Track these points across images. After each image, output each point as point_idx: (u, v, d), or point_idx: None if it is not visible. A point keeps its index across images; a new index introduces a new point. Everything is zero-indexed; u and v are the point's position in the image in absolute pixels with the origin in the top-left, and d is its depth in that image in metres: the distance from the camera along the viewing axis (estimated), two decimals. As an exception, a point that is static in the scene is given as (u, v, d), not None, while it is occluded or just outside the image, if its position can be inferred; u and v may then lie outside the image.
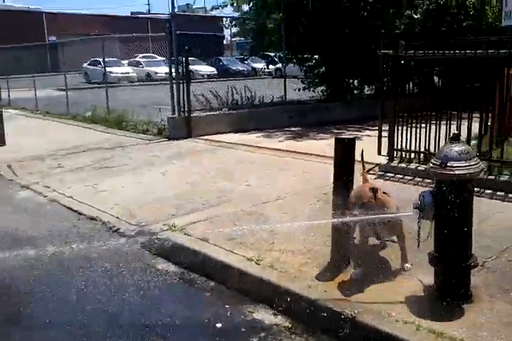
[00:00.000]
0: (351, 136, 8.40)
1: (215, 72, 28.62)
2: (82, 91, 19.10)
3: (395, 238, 3.56)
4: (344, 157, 3.40)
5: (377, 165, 6.34)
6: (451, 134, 2.98)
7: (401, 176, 5.91)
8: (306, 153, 7.34)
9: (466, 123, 5.65)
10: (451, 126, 5.68)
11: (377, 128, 6.72)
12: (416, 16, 12.62)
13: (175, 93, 9.03)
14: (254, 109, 10.47)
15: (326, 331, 2.96)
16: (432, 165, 2.92)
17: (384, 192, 3.38)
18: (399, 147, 6.20)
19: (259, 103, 10.96)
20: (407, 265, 3.42)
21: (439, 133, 5.83)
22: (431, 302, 3.03)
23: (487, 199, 5.03)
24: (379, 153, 6.50)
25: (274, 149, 7.78)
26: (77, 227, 4.86)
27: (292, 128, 10.17)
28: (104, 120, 11.12)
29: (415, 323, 2.78)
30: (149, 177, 6.43)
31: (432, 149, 5.89)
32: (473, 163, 2.84)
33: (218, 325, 3.11)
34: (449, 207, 2.88)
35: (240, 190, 5.68)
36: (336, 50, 11.41)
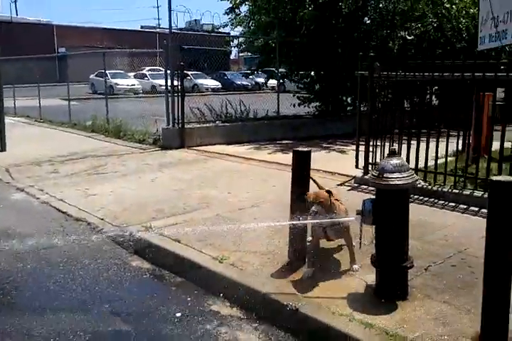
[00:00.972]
0: (324, 149, 8.86)
1: (220, 86, 29.19)
2: (87, 101, 19.67)
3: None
4: (300, 166, 3.76)
5: (353, 177, 6.69)
6: (390, 150, 3.34)
7: (373, 188, 6.23)
8: (290, 165, 7.66)
9: (445, 141, 5.98)
10: (428, 143, 6.05)
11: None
12: (409, 38, 13.02)
13: (170, 105, 9.44)
14: (247, 122, 10.89)
15: (273, 321, 3.28)
16: (371, 175, 3.28)
17: (336, 199, 3.73)
18: (374, 161, 6.54)
19: (253, 117, 11.38)
20: (355, 266, 3.75)
21: (409, 149, 6.16)
22: (369, 298, 3.35)
23: (450, 211, 5.33)
24: (356, 166, 6.86)
25: (260, 160, 8.14)
26: (63, 227, 5.22)
27: (284, 142, 10.54)
28: (104, 129, 11.56)
29: (350, 316, 3.09)
30: (138, 184, 6.80)
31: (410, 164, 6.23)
32: (405, 175, 3.18)
33: (178, 314, 3.44)
34: (386, 214, 3.22)
35: (221, 197, 6.04)
36: (330, 69, 11.86)
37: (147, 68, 29.44)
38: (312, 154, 8.92)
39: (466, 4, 13.02)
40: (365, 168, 6.60)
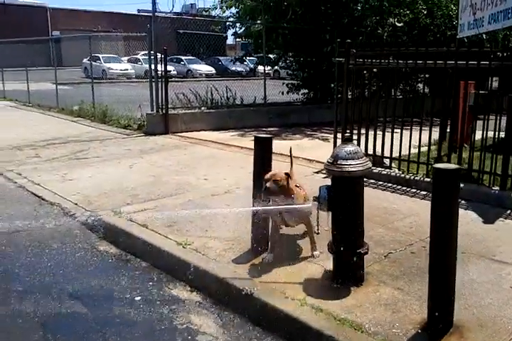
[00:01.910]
0: (307, 137, 8.77)
1: (213, 72, 29.05)
2: (79, 85, 19.56)
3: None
4: (262, 153, 3.78)
5: (330, 165, 6.70)
6: (345, 137, 3.36)
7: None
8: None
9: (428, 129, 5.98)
10: (405, 131, 6.07)
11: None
12: (399, 25, 12.96)
13: (154, 91, 9.42)
14: (233, 109, 10.87)
15: (229, 305, 3.35)
16: (326, 162, 3.30)
17: (296, 185, 3.77)
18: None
19: (240, 103, 11.37)
20: (315, 252, 3.80)
21: (392, 138, 6.18)
22: (325, 284, 3.40)
23: (420, 199, 5.37)
24: (334, 154, 6.87)
25: (242, 147, 8.16)
26: (36, 211, 5.25)
27: (270, 129, 10.54)
28: (90, 114, 11.54)
29: (302, 300, 3.15)
30: (117, 169, 6.82)
31: (385, 152, 6.27)
32: (359, 162, 3.21)
33: (137, 298, 3.50)
34: (340, 200, 3.25)
35: (197, 183, 6.07)
36: (317, 55, 11.82)
37: (141, 53, 29.25)
38: (295, 142, 9.11)
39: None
40: (342, 155, 6.60)
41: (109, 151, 8.00)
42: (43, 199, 5.62)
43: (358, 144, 6.41)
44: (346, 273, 3.39)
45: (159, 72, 9.46)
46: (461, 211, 4.82)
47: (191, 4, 40.60)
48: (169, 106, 9.67)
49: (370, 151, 6.39)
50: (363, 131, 6.52)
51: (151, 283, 3.73)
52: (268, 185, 3.48)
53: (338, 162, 3.20)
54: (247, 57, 20.25)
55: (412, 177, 5.81)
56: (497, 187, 5.18)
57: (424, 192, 5.51)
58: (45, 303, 3.40)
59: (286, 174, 3.58)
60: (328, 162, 3.28)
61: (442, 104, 6.11)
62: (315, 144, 8.81)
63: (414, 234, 4.30)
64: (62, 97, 13.81)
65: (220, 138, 9.23)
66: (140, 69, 28.39)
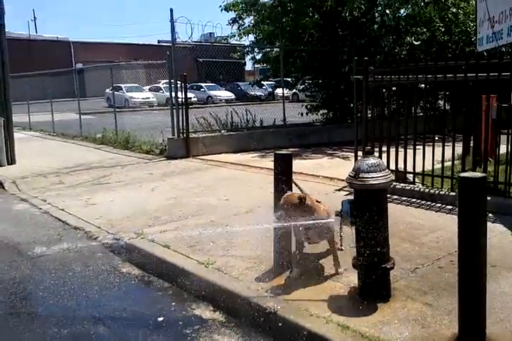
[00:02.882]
0: (334, 156, 8.71)
1: (233, 97, 29.40)
2: (102, 115, 19.97)
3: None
4: (282, 169, 3.76)
5: (352, 183, 6.63)
6: (361, 150, 3.32)
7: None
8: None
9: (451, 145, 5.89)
10: (428, 147, 5.98)
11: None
12: (416, 43, 12.96)
13: (175, 116, 9.55)
14: (253, 131, 10.94)
15: (253, 324, 3.27)
16: (348, 176, 3.26)
17: (317, 201, 3.72)
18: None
19: (259, 125, 11.43)
20: (340, 269, 3.71)
21: (414, 154, 6.10)
22: (350, 301, 3.32)
23: (445, 214, 5.25)
24: (355, 172, 6.80)
25: (262, 168, 8.15)
26: (60, 235, 5.29)
27: (290, 149, 10.43)
28: (113, 141, 11.73)
29: (327, 318, 3.07)
30: (138, 193, 6.87)
31: (408, 168, 6.18)
32: (381, 175, 3.16)
33: (160, 319, 3.46)
34: (364, 214, 3.19)
35: (218, 204, 6.06)
36: (335, 76, 11.87)
37: (162, 81, 29.83)
38: (315, 161, 9.07)
39: (473, 8, 12.93)
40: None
41: (131, 176, 8.08)
42: (67, 223, 5.67)
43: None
44: (372, 289, 3.30)
45: (180, 99, 9.61)
46: (488, 224, 4.67)
47: (210, 33, 41.49)
48: (190, 130, 9.78)
49: (393, 167, 6.31)
50: (384, 148, 6.46)
51: (173, 303, 3.69)
52: (280, 213, 3.43)
53: (360, 175, 3.15)
54: (266, 82, 20.51)
55: (437, 191, 5.70)
56: (525, 200, 5.04)
57: (450, 207, 5.38)
58: (69, 326, 3.38)
59: (299, 198, 3.45)
60: (349, 175, 3.24)
61: (464, 118, 6.03)
62: (335, 163, 8.76)
63: (441, 248, 4.19)
64: (85, 126, 14.12)
65: (241, 159, 9.25)
66: (161, 97, 28.91)
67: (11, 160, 9.50)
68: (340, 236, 3.95)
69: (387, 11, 12.51)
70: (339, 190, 6.49)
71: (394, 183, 6.16)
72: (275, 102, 21.36)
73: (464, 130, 6.24)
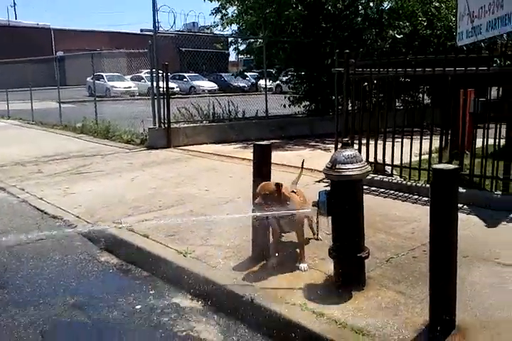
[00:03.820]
0: (311, 147, 8.74)
1: (216, 88, 29.29)
2: (83, 104, 19.73)
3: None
4: (261, 159, 3.79)
5: (332, 174, 6.69)
6: (341, 142, 3.36)
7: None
8: (272, 163, 7.71)
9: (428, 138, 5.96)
10: (407, 140, 6.07)
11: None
12: (399, 36, 13.05)
13: (156, 106, 9.50)
14: (235, 122, 10.93)
15: (230, 311, 3.32)
16: (325, 167, 3.30)
17: (293, 191, 3.76)
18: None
19: (241, 116, 11.43)
20: (302, 265, 3.67)
21: (393, 146, 6.17)
22: (326, 289, 3.37)
23: (421, 206, 5.33)
24: (335, 163, 6.87)
25: (243, 159, 8.16)
26: (38, 224, 5.26)
27: (272, 141, 10.45)
28: (93, 131, 11.63)
29: (303, 305, 3.12)
30: (118, 182, 6.84)
31: (387, 160, 6.26)
32: (357, 166, 3.20)
33: (138, 306, 3.48)
34: (340, 205, 3.24)
35: (198, 194, 6.07)
36: (318, 68, 11.89)
37: (144, 71, 29.52)
38: (297, 152, 9.13)
39: (456, 2, 13.04)
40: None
41: (111, 165, 8.04)
42: (45, 212, 5.63)
43: (360, 153, 6.41)
44: (347, 278, 3.36)
45: (161, 88, 9.55)
46: (463, 215, 4.85)
47: (193, 22, 41.06)
48: (171, 120, 9.74)
49: (372, 159, 6.39)
50: (364, 140, 6.53)
51: (152, 292, 3.71)
52: (256, 201, 3.46)
53: (337, 166, 3.20)
54: (250, 73, 20.43)
55: (414, 183, 5.80)
56: (499, 192, 5.16)
57: (426, 198, 5.46)
58: (46, 313, 3.38)
59: (276, 185, 3.51)
60: (326, 167, 3.28)
61: (442, 111, 6.13)
62: (316, 154, 8.81)
63: (416, 239, 4.27)
64: (65, 115, 13.96)
65: (222, 150, 9.26)
66: (143, 86, 28.61)
67: (-11, 149, 9.37)
68: (317, 227, 4.00)
69: (371, 4, 12.57)
70: (319, 181, 6.55)
71: (372, 175, 6.25)
72: (258, 94, 21.35)
73: (442, 123, 6.34)
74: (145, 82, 28.84)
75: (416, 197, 5.59)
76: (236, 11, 12.08)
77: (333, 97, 12.87)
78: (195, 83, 30.15)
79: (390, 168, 6.29)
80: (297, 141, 10.56)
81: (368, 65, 6.42)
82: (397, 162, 6.20)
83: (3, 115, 17.00)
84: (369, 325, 2.89)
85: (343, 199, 3.24)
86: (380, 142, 6.39)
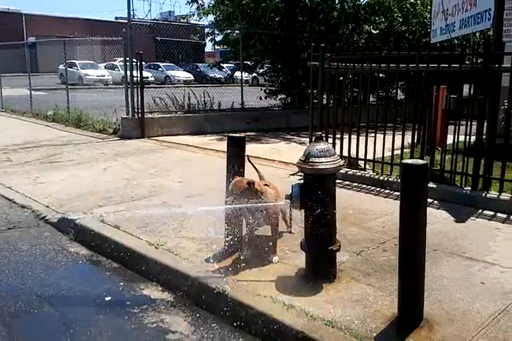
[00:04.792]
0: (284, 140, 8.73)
1: (192, 78, 29.04)
2: (55, 91, 19.33)
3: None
4: (235, 152, 3.77)
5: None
6: (315, 135, 3.37)
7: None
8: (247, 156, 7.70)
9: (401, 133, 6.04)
10: (380, 135, 6.12)
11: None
12: (375, 32, 13.14)
13: (129, 95, 9.36)
14: (210, 113, 10.87)
15: (201, 304, 3.31)
16: (299, 160, 3.31)
17: (266, 184, 3.76)
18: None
19: (217, 108, 11.37)
20: (274, 258, 3.70)
21: (366, 141, 6.21)
22: (297, 281, 3.39)
23: (393, 200, 5.40)
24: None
25: (218, 151, 8.12)
26: (7, 214, 5.15)
27: (247, 133, 10.50)
28: (65, 119, 11.41)
29: (274, 297, 3.13)
30: (90, 172, 6.74)
31: (360, 155, 6.31)
32: (330, 160, 3.22)
33: (107, 298, 3.44)
34: (312, 198, 3.26)
35: (172, 185, 6.03)
36: (294, 61, 11.90)
37: (119, 59, 29.05)
38: (272, 145, 9.13)
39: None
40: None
41: (83, 155, 7.90)
42: (13, 202, 5.52)
43: (334, 147, 6.45)
44: (318, 271, 3.39)
45: (135, 77, 9.42)
46: (433, 210, 4.93)
47: (169, 11, 40.53)
48: (145, 110, 9.62)
49: (346, 154, 6.43)
50: (338, 135, 6.56)
51: (121, 284, 3.67)
52: (228, 200, 3.47)
53: (310, 160, 3.21)
54: (226, 64, 20.32)
55: (386, 178, 5.86)
56: (468, 188, 5.25)
57: (398, 193, 5.50)
58: (12, 304, 3.32)
59: (248, 183, 3.50)
60: (300, 160, 3.29)
61: (415, 107, 6.20)
62: (292, 148, 8.84)
63: (386, 232, 4.33)
64: (36, 103, 13.63)
65: (197, 142, 9.20)
66: (117, 75, 28.12)
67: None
68: (290, 220, 4.01)
69: (347, -1, 12.62)
70: (293, 174, 6.57)
71: (346, 169, 6.31)
72: (234, 85, 21.22)
73: (415, 119, 6.40)
74: (119, 70, 28.37)
75: (388, 191, 5.66)
76: (212, 2, 11.96)
77: (309, 90, 13.00)
78: (171, 73, 29.82)
79: (363, 162, 6.35)
80: (273, 134, 10.57)
81: (344, 60, 6.44)
82: (370, 157, 6.26)
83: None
84: (339, 317, 2.92)
85: (315, 193, 3.25)
86: (354, 137, 6.44)
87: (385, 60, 6.01)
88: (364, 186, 5.93)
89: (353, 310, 3.01)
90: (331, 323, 2.84)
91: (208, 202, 5.16)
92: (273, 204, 3.53)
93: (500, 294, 3.19)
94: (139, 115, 9.47)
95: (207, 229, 4.34)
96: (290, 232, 4.19)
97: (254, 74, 17.14)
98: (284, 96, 12.88)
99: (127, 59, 9.52)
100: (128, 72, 9.48)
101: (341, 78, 6.89)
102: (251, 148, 8.79)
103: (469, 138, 5.41)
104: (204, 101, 11.09)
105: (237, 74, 27.23)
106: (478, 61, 5.45)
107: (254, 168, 4.21)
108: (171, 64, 30.23)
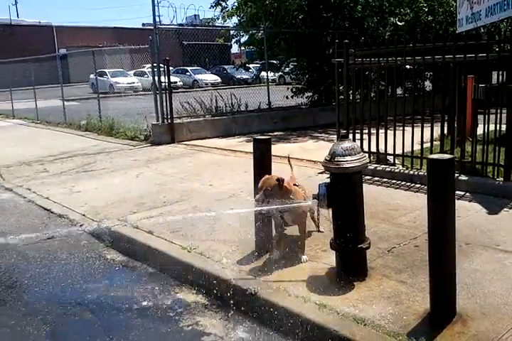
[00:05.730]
0: (314, 139, 8.72)
1: (219, 81, 29.24)
2: (86, 101, 19.82)
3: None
4: (261, 154, 3.82)
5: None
6: (341, 134, 3.39)
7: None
8: (275, 156, 7.73)
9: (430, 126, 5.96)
10: (409, 128, 6.05)
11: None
12: (400, 24, 12.95)
13: (158, 101, 9.53)
14: (238, 115, 10.94)
15: (234, 305, 3.37)
16: (324, 160, 3.33)
17: (295, 184, 3.79)
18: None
19: (244, 109, 11.44)
20: (303, 257, 3.73)
21: (394, 136, 6.17)
22: (328, 281, 3.41)
23: (423, 195, 5.32)
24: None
25: (246, 152, 8.16)
26: (45, 224, 5.33)
27: (275, 133, 10.57)
28: (97, 128, 11.69)
29: (305, 297, 3.17)
30: (123, 179, 6.90)
31: (389, 150, 6.26)
32: (356, 158, 3.23)
33: (144, 303, 3.54)
34: (339, 196, 3.27)
35: (201, 189, 6.12)
36: (320, 59, 11.84)
37: (147, 66, 29.51)
38: (300, 144, 9.13)
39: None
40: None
41: (116, 163, 8.10)
42: (51, 212, 5.70)
43: (361, 143, 6.43)
44: (349, 269, 3.40)
45: (163, 83, 9.58)
46: (465, 203, 4.86)
47: (195, 15, 40.83)
48: (174, 115, 9.78)
49: (374, 149, 6.40)
50: (366, 130, 6.53)
51: (157, 288, 3.77)
52: (257, 197, 3.50)
53: (336, 159, 3.22)
54: (253, 65, 20.37)
55: (416, 172, 5.80)
56: (501, 178, 5.15)
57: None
58: (54, 312, 3.45)
59: (277, 180, 3.53)
60: (325, 159, 3.31)
61: (443, 98, 6.10)
62: (319, 146, 8.82)
63: (417, 227, 4.29)
64: (69, 113, 14.02)
65: (225, 144, 9.29)
66: (146, 82, 28.60)
67: (-5, 150, 9.46)
68: (318, 219, 4.03)
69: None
70: (322, 172, 6.55)
71: (375, 165, 6.27)
72: (261, 85, 21.25)
73: (443, 111, 6.31)
74: (148, 76, 28.84)
75: (418, 185, 5.60)
76: (236, 3, 12.04)
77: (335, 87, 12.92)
78: (198, 77, 30.12)
79: (392, 157, 6.30)
80: (300, 133, 10.57)
81: (368, 55, 6.40)
82: (399, 151, 6.20)
83: (7, 115, 17.11)
84: (371, 314, 2.93)
85: (342, 191, 3.27)
86: (381, 131, 6.40)
87: (411, 53, 5.95)
88: (394, 181, 5.88)
89: (385, 307, 3.01)
90: (363, 321, 2.86)
91: (237, 205, 5.25)
92: (301, 204, 3.55)
93: (535, 287, 3.13)
94: (168, 120, 9.63)
95: (237, 231, 4.42)
96: (319, 231, 4.21)
97: (280, 73, 17.11)
98: (310, 93, 12.84)
99: (155, 65, 9.68)
100: (156, 78, 9.64)
101: (367, 73, 6.84)
102: (279, 148, 8.88)
103: (499, 128, 5.31)
104: (231, 103, 11.18)
105: (264, 73, 27.27)
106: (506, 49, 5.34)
107: (291, 168, 4.27)
108: (198, 67, 30.55)
